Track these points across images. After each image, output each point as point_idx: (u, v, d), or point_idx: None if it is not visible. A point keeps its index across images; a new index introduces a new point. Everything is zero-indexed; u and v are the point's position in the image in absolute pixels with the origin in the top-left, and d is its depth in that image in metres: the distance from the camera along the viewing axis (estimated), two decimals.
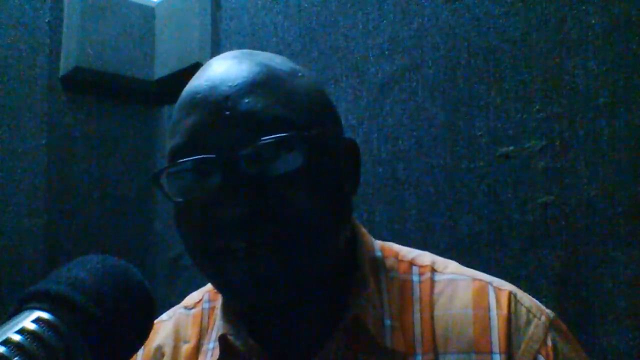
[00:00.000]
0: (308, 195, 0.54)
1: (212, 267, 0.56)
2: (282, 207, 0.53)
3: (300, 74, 0.59)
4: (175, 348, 0.69)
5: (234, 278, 0.54)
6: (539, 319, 0.59)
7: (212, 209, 0.53)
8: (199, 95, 0.55)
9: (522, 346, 0.57)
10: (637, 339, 0.84)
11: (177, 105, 0.58)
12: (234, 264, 0.54)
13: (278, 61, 0.59)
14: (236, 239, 0.53)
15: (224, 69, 0.56)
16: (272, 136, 0.52)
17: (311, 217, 0.54)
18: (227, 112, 0.53)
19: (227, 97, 0.54)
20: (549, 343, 0.57)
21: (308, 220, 0.54)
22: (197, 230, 0.55)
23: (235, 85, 0.54)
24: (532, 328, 0.58)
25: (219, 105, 0.53)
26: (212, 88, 0.55)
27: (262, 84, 0.55)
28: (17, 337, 0.36)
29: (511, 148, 1.00)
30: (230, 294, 0.58)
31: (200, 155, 0.53)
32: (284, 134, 0.52)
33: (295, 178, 0.53)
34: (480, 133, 1.04)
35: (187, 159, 0.54)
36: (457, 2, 1.09)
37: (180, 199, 0.56)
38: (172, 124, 0.57)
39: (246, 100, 0.53)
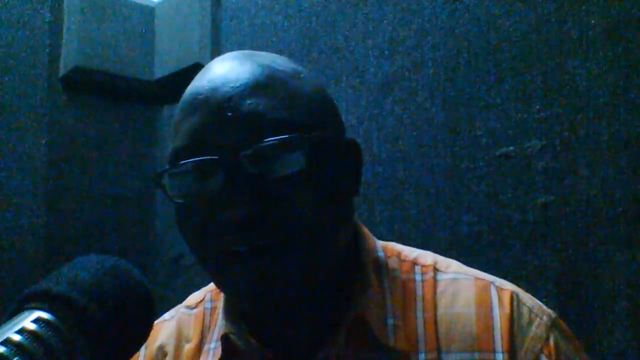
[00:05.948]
0: (310, 196, 0.54)
1: (215, 268, 0.56)
2: (284, 208, 0.53)
3: (302, 75, 0.59)
4: (177, 348, 0.69)
5: (237, 279, 0.54)
6: (541, 318, 0.59)
7: (214, 210, 0.53)
8: (200, 96, 0.55)
9: (525, 345, 0.57)
10: (637, 339, 0.84)
11: (179, 106, 0.58)
12: (236, 265, 0.54)
13: (280, 62, 0.59)
14: (238, 240, 0.53)
15: (226, 70, 0.56)
16: (274, 138, 0.52)
17: (313, 219, 0.54)
18: (230, 113, 0.53)
19: (229, 98, 0.53)
20: (551, 342, 0.58)
21: (310, 221, 0.54)
22: (199, 231, 0.55)
23: (238, 87, 0.54)
24: (534, 328, 0.58)
25: (221, 106, 0.53)
26: (214, 89, 0.55)
27: (265, 85, 0.55)
28: (17, 337, 0.36)
29: (511, 148, 1.00)
30: (234, 294, 0.58)
31: (203, 156, 0.53)
32: (286, 136, 0.52)
33: (297, 180, 0.53)
34: (480, 133, 1.04)
35: (189, 160, 0.54)
36: (457, 2, 1.09)
37: (182, 200, 0.56)
38: (174, 125, 0.57)
39: (248, 102, 0.53)
